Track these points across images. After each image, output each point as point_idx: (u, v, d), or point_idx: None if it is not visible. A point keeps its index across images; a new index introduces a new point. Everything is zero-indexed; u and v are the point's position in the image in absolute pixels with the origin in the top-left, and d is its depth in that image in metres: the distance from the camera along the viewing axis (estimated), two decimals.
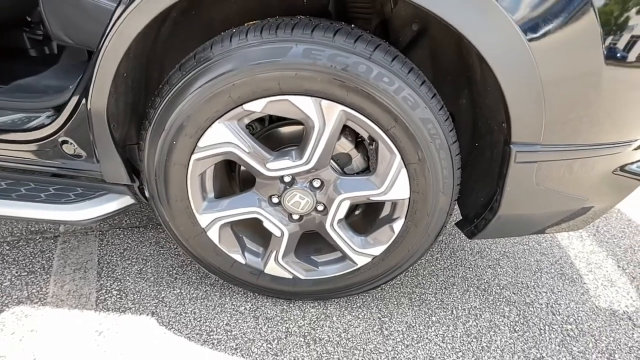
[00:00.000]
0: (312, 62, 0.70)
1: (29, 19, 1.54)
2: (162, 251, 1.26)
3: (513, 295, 1.21)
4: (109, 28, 0.72)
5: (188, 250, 1.02)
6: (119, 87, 0.81)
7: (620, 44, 0.70)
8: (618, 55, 0.71)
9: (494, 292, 1.21)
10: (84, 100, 0.82)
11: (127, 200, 1.03)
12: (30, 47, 1.59)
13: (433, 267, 1.29)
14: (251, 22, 0.75)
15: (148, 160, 0.87)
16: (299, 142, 0.89)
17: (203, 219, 0.94)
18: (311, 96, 0.75)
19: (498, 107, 0.78)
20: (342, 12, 0.97)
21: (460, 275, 1.27)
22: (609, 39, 0.69)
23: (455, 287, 1.22)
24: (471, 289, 1.22)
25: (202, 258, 1.03)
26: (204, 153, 0.83)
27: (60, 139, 0.92)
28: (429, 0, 0.65)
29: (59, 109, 0.91)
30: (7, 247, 1.21)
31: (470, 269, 1.30)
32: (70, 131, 0.90)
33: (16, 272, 1.12)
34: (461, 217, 1.08)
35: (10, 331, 0.95)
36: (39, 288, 1.08)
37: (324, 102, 0.75)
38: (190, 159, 0.84)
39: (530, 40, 0.67)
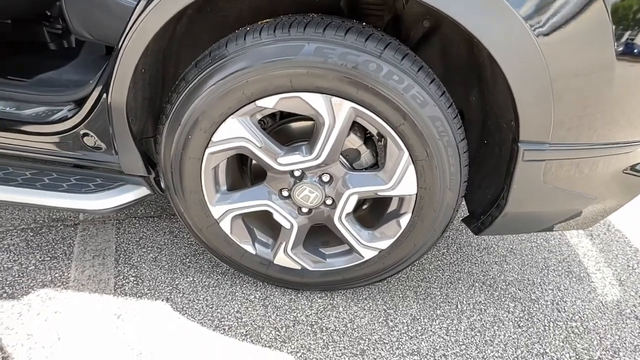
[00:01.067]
0: (324, 60, 0.72)
1: (49, 14, 1.58)
2: (175, 240, 1.31)
3: (519, 291, 1.22)
4: (129, 26, 0.75)
5: (201, 240, 1.06)
6: (137, 82, 0.84)
7: (633, 39, 0.70)
8: (631, 50, 0.70)
9: (499, 288, 1.23)
10: (104, 95, 0.86)
11: (143, 191, 1.08)
12: (50, 40, 1.64)
13: (439, 262, 1.31)
14: (265, 21, 0.77)
15: (164, 153, 0.91)
16: (309, 137, 0.91)
17: (216, 211, 0.98)
18: (322, 93, 0.76)
19: (507, 106, 0.79)
20: (354, 8, 0.98)
21: (466, 271, 1.29)
22: (621, 34, 0.68)
23: (460, 282, 1.24)
24: (477, 284, 1.24)
25: (214, 248, 1.07)
26: (217, 147, 0.86)
27: (81, 132, 0.96)
28: None
29: (80, 103, 0.95)
30: (31, 234, 1.27)
31: (477, 265, 1.31)
32: (91, 124, 0.94)
33: (40, 257, 1.19)
34: (468, 213, 1.09)
35: (36, 312, 1.02)
36: (61, 272, 1.14)
37: (334, 99, 0.77)
38: (204, 152, 0.87)
39: (539, 38, 0.67)
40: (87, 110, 0.91)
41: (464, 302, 1.16)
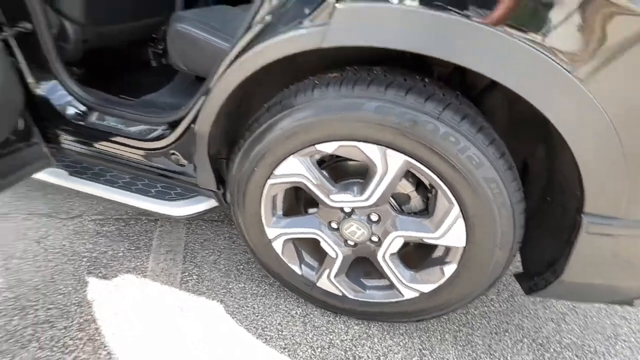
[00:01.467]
0: (383, 118, 0.76)
1: (154, 36, 1.87)
2: (233, 246, 1.46)
3: (575, 358, 1.12)
4: (218, 73, 0.88)
5: (254, 253, 1.18)
6: (219, 117, 0.98)
7: None
8: None
9: (552, 350, 1.14)
10: (192, 125, 1.02)
11: (212, 203, 1.24)
12: (152, 58, 1.94)
13: (486, 309, 1.26)
14: (333, 75, 0.83)
15: (233, 177, 1.04)
16: (362, 175, 0.96)
17: (270, 232, 1.08)
18: (378, 144, 0.81)
19: (572, 171, 0.74)
20: (420, 55, 1.00)
21: (515, 323, 1.22)
22: None
23: (507, 334, 1.18)
24: (525, 340, 1.16)
25: (265, 263, 1.18)
26: (278, 180, 0.96)
27: (170, 151, 1.14)
28: (484, 66, 0.65)
29: (172, 125, 1.13)
30: (123, 224, 1.53)
31: (529, 319, 1.23)
32: (178, 146, 1.11)
33: (127, 246, 1.42)
34: (522, 269, 1.04)
35: (122, 295, 1.23)
36: (141, 262, 1.36)
37: (389, 151, 0.81)
38: (266, 182, 0.98)
39: (606, 106, 0.63)
40: (177, 135, 1.08)
41: (508, 358, 1.11)
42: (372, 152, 0.82)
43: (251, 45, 0.79)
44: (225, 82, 0.87)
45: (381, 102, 0.75)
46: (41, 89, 1.19)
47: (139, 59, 1.90)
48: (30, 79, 1.16)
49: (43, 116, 1.22)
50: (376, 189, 0.88)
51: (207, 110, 0.95)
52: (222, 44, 1.07)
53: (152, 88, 1.49)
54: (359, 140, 0.81)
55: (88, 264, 1.33)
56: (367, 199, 0.91)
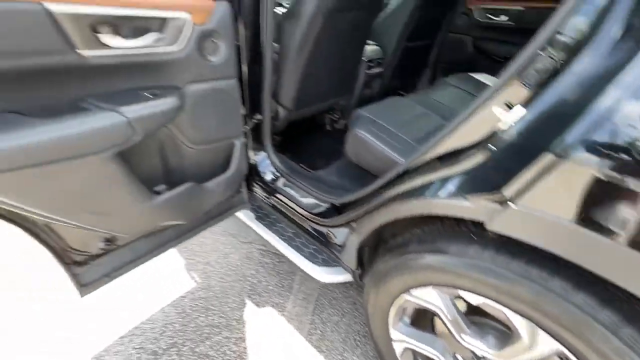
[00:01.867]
0: (542, 304, 0.72)
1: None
2: (355, 314, 1.61)
3: None
4: (382, 201, 1.04)
5: (373, 338, 1.28)
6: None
7: None
8: None
9: None
10: (352, 223, 1.22)
11: (348, 277, 1.42)
12: (328, 124, 2.34)
13: None
14: (490, 236, 0.85)
15: (374, 272, 1.17)
16: (502, 322, 0.92)
17: (394, 334, 1.16)
18: (528, 319, 0.78)
19: None
20: None
21: None
22: None
23: None
24: None
25: (380, 351, 1.26)
26: (411, 298, 1.04)
27: (330, 229, 1.38)
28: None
29: (335, 208, 1.37)
30: (277, 259, 1.91)
31: None
32: (336, 229, 1.34)
33: (276, 282, 1.77)
34: None
35: (266, 327, 1.55)
36: (283, 300, 1.67)
37: (542, 332, 0.77)
38: (400, 294, 1.07)
39: None
40: (337, 222, 1.31)
41: None
42: (520, 324, 0.80)
43: (417, 194, 0.91)
44: (387, 212, 1.02)
45: (543, 288, 0.73)
46: (255, 158, 1.65)
47: (317, 123, 2.33)
48: (251, 152, 1.63)
49: (250, 174, 1.69)
50: (515, 356, 0.84)
51: (367, 222, 1.13)
52: (394, 156, 1.24)
53: (325, 158, 1.82)
54: (506, 307, 0.80)
55: (249, 288, 1.73)
56: (502, 358, 0.87)
